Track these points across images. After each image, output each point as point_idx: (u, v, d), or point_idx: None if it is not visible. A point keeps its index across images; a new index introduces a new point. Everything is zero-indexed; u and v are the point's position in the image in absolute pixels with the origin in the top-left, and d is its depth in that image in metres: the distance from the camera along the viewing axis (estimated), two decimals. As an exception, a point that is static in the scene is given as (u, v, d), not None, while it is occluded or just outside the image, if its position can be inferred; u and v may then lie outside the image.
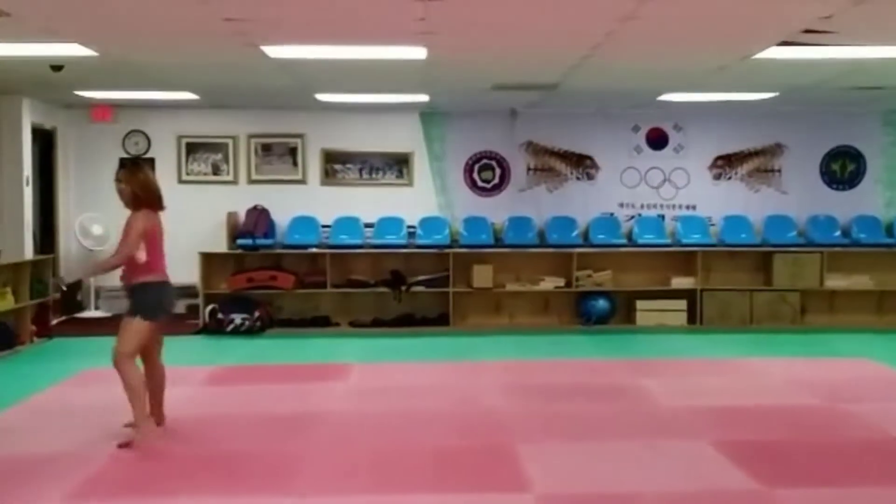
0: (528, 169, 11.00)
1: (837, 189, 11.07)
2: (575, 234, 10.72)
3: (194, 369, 7.84)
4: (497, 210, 10.89)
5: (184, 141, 10.93)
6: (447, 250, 10.29)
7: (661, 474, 4.82)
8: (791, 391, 6.83)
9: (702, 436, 5.53)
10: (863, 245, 10.55)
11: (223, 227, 10.50)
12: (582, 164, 11.03)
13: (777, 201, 10.99)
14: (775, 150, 11.00)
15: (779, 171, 11.03)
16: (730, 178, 11.04)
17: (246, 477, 4.80)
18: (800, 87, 8.88)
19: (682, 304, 10.29)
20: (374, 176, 10.98)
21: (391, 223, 10.69)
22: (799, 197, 10.97)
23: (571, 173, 11.04)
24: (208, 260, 10.22)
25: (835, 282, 10.38)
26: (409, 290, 10.21)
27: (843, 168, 11.07)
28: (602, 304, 10.17)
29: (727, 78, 8.30)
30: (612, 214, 10.98)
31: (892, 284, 10.51)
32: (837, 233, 10.76)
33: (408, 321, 10.24)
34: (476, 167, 11.03)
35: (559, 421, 5.93)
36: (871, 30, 6.18)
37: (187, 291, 10.36)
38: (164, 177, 10.80)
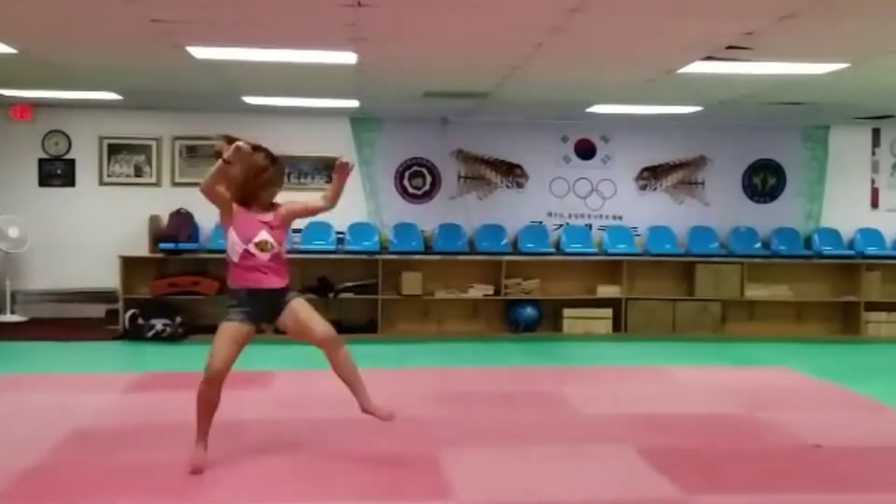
0: (459, 176, 11.02)
1: (758, 202, 11.30)
2: (504, 242, 10.76)
3: (113, 376, 7.68)
4: (427, 217, 10.89)
5: (106, 142, 10.70)
6: (376, 257, 10.26)
7: (585, 481, 4.85)
8: (712, 398, 6.93)
9: (625, 442, 5.58)
10: (782, 256, 10.80)
11: (145, 231, 10.31)
12: (512, 172, 11.09)
13: (700, 213, 11.18)
14: (699, 162, 11.20)
15: (702, 183, 11.23)
16: (655, 189, 11.20)
17: (163, 487, 4.70)
18: (723, 101, 9.04)
19: (608, 312, 10.42)
20: (302, 180, 10.88)
21: (319, 229, 10.60)
22: (721, 209, 11.18)
23: (501, 182, 11.09)
24: (129, 264, 10.03)
25: (755, 292, 10.62)
26: (336, 296, 10.14)
27: (764, 181, 11.32)
28: (530, 311, 10.25)
29: (653, 91, 8.42)
30: (540, 223, 11.06)
31: (809, 295, 10.78)
32: (758, 244, 10.99)
33: (335, 328, 10.12)
34: (406, 174, 11.01)
35: (484, 428, 5.93)
36: (792, 46, 6.33)
37: (107, 296, 10.18)
38: (85, 178, 10.65)
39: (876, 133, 11.32)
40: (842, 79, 7.50)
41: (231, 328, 4.93)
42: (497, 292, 10.31)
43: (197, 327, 10.02)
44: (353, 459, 5.20)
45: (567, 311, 10.39)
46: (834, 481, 4.91)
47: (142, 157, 10.75)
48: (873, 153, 11.37)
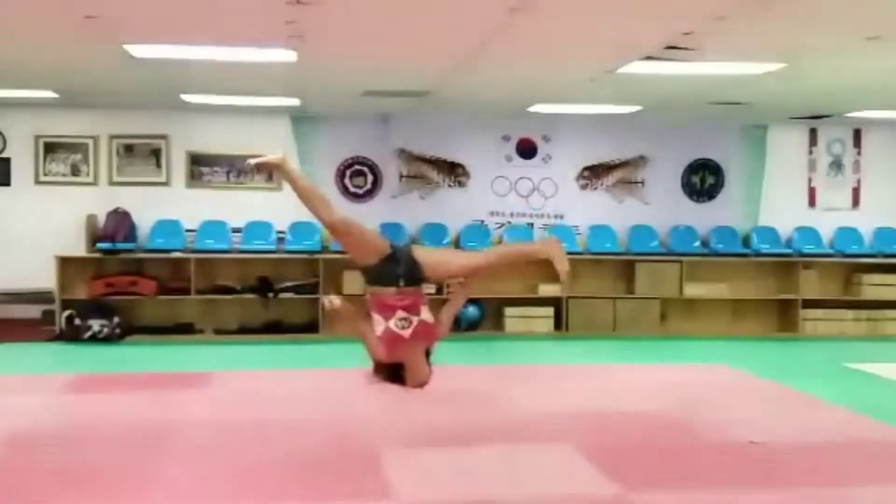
0: (401, 175, 11.00)
1: (697, 201, 11.44)
2: (446, 241, 10.76)
3: (48, 377, 7.52)
4: (369, 216, 10.76)
5: (42, 140, 10.49)
6: (317, 256, 10.19)
7: (525, 479, 4.85)
8: (651, 396, 6.97)
9: (565, 440, 5.59)
10: (721, 255, 10.94)
11: (82, 231, 10.13)
12: (454, 171, 11.09)
13: (640, 212, 11.29)
14: (639, 162, 11.31)
15: (642, 182, 11.33)
16: (596, 188, 11.28)
17: (96, 491, 4.60)
18: (662, 101, 9.14)
19: (549, 311, 10.48)
20: (242, 179, 10.78)
21: (259, 228, 10.51)
22: (661, 208, 11.29)
23: (443, 181, 11.08)
24: (66, 264, 9.86)
25: (694, 290, 10.74)
26: (276, 296, 10.06)
27: (702, 180, 11.46)
28: (472, 310, 10.25)
29: (593, 91, 8.48)
30: (482, 222, 11.08)
31: (748, 293, 10.95)
32: (697, 243, 11.13)
33: (275, 328, 10.10)
34: (348, 173, 10.96)
35: (425, 427, 5.90)
36: (730, 46, 6.41)
37: (43, 297, 9.99)
38: (21, 177, 10.43)
39: (813, 133, 11.52)
40: (779, 79, 7.62)
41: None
42: (439, 291, 10.29)
43: (135, 328, 9.89)
44: (292, 460, 5.14)
45: (508, 310, 10.43)
46: (770, 477, 4.97)
47: (78, 156, 10.56)
48: (810, 152, 11.57)
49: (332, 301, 4.84)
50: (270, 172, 5.29)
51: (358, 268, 5.24)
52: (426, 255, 5.15)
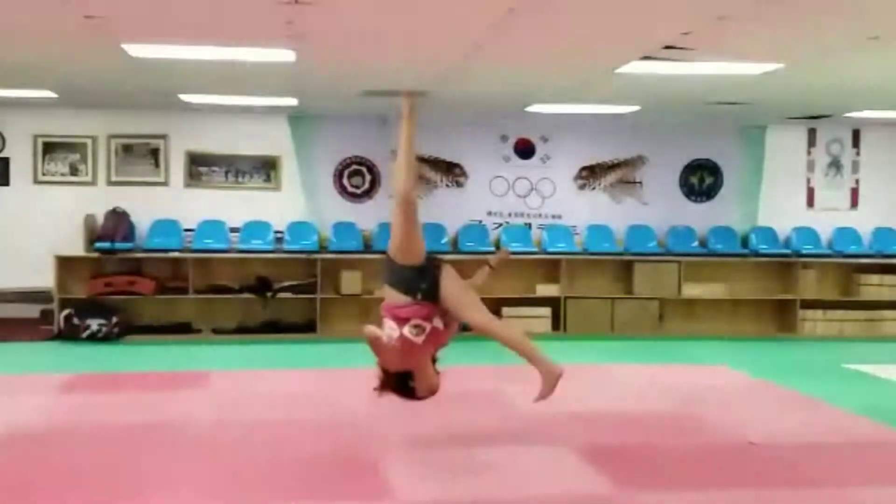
0: (398, 175, 10.98)
1: (696, 201, 11.44)
2: (444, 241, 10.75)
3: (46, 377, 7.52)
4: (367, 216, 10.83)
5: (40, 140, 10.47)
6: (315, 256, 10.19)
7: (523, 480, 4.86)
8: (650, 396, 7.00)
9: (564, 441, 5.61)
10: (719, 255, 10.94)
11: (80, 230, 10.12)
12: (451, 171, 11.09)
13: (638, 212, 11.28)
14: (637, 162, 11.30)
15: (640, 182, 11.33)
16: (594, 188, 11.28)
17: (95, 490, 4.61)
18: (661, 101, 9.13)
19: (547, 311, 10.47)
20: (240, 179, 10.76)
21: (258, 228, 10.50)
22: (659, 208, 11.28)
23: (441, 181, 11.08)
24: (64, 263, 9.85)
25: (692, 290, 10.74)
26: (275, 296, 10.06)
27: (701, 180, 11.45)
28: (469, 311, 10.23)
29: (591, 91, 8.47)
30: (480, 222, 11.07)
31: (746, 293, 10.94)
32: (695, 243, 11.12)
33: (273, 328, 10.09)
34: (346, 172, 10.94)
35: (423, 428, 5.92)
36: (729, 47, 6.41)
37: (41, 296, 9.98)
38: (20, 177, 10.42)
39: (812, 133, 11.52)
40: (777, 79, 7.62)
41: None
42: (438, 291, 10.30)
43: (133, 327, 9.88)
44: (290, 460, 5.15)
45: (506, 310, 10.40)
46: (769, 477, 4.98)
47: (77, 156, 10.54)
48: (809, 153, 11.57)
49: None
50: (411, 103, 5.24)
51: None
52: (449, 286, 5.13)
